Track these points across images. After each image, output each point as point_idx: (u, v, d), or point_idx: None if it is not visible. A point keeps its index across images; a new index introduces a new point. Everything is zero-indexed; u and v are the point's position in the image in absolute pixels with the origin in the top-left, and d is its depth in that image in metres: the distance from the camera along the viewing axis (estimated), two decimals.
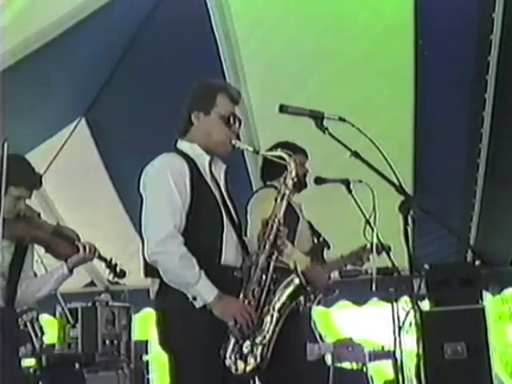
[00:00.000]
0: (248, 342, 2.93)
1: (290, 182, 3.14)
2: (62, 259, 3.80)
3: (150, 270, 3.03)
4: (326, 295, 4.25)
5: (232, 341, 2.92)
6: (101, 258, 3.87)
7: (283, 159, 3.15)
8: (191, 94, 3.27)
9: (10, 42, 4.52)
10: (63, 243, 3.75)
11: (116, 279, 3.97)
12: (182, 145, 3.19)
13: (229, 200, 3.21)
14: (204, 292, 2.91)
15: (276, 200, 3.14)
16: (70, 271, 3.77)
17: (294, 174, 3.14)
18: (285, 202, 3.14)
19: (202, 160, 3.14)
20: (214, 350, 2.92)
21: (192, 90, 3.29)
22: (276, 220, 3.10)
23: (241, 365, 2.91)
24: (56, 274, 3.76)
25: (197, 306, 2.91)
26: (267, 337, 2.96)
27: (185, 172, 3.03)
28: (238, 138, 3.29)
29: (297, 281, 3.08)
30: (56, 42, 4.87)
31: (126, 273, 3.98)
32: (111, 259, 3.98)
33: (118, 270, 3.95)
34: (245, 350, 2.92)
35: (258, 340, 2.94)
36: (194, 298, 2.91)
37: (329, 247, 4.38)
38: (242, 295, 2.99)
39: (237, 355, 2.91)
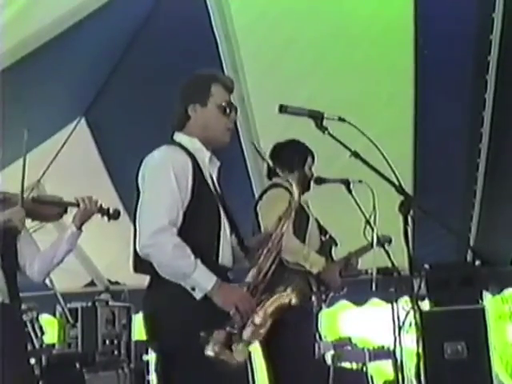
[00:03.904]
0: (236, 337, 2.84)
1: (293, 210, 3.16)
2: (52, 221, 3.82)
3: (140, 265, 2.96)
4: (335, 293, 4.25)
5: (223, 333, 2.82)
6: (101, 210, 3.81)
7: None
8: (185, 87, 3.20)
9: (9, 41, 4.51)
10: (46, 206, 3.73)
11: (112, 220, 3.86)
12: (181, 138, 3.10)
13: (222, 198, 3.15)
14: (202, 280, 2.81)
15: (280, 219, 3.13)
16: (79, 228, 3.75)
17: (297, 199, 3.17)
18: (287, 222, 3.14)
19: (202, 155, 3.07)
20: None
21: (186, 82, 3.22)
22: (279, 237, 3.08)
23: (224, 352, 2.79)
24: (66, 235, 3.75)
25: (197, 298, 2.80)
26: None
27: (188, 167, 2.95)
28: (235, 125, 3.26)
29: (287, 300, 3.00)
30: (56, 41, 4.87)
31: (121, 212, 3.89)
32: (108, 208, 3.88)
33: (110, 211, 3.86)
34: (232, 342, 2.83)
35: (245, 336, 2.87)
36: (193, 289, 2.80)
37: (336, 244, 4.38)
38: None
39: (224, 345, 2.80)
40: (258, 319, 2.88)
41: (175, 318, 2.84)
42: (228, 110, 3.12)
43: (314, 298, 4.03)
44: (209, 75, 3.22)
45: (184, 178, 2.92)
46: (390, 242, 4.28)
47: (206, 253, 2.91)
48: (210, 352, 2.73)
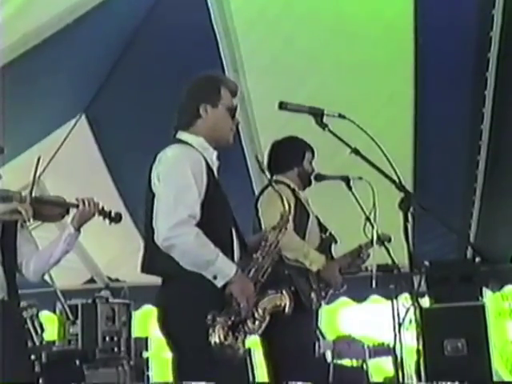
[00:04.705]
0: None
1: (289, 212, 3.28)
2: (53, 221, 3.81)
3: (149, 267, 3.03)
4: (335, 290, 4.26)
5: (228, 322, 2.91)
6: (102, 212, 3.79)
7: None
8: (195, 87, 3.25)
9: (9, 37, 4.51)
10: (48, 206, 3.72)
11: (113, 223, 3.84)
12: (187, 137, 3.14)
13: None
14: (225, 267, 2.89)
15: (275, 228, 3.22)
16: (78, 230, 3.70)
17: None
18: (284, 230, 3.25)
19: (209, 154, 3.13)
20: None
21: (195, 83, 3.27)
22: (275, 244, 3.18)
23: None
24: (63, 236, 3.72)
25: (218, 286, 2.88)
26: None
27: (202, 165, 3.01)
28: (237, 130, 3.33)
29: (282, 303, 3.09)
30: (56, 38, 4.86)
31: (122, 215, 3.86)
32: (110, 211, 3.86)
33: (112, 214, 3.84)
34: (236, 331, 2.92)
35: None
36: (215, 278, 2.88)
37: (336, 242, 4.39)
38: None
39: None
40: (258, 314, 2.97)
41: (186, 314, 2.91)
42: (234, 114, 3.22)
43: (313, 295, 4.03)
44: (218, 78, 3.32)
45: (199, 175, 2.99)
46: (389, 240, 4.27)
47: (223, 249, 2.96)
48: (215, 338, 2.83)
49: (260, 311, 2.99)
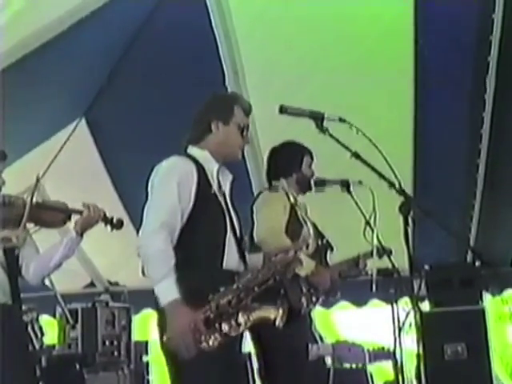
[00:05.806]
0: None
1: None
2: (55, 227, 3.81)
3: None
4: (328, 297, 4.25)
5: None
6: (104, 218, 3.78)
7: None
8: (209, 104, 3.36)
9: (9, 41, 4.51)
10: (50, 212, 3.72)
11: (114, 230, 3.84)
12: (193, 151, 3.24)
13: (232, 210, 3.25)
14: (162, 293, 2.89)
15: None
16: (80, 235, 3.73)
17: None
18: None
19: (211, 167, 3.21)
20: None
21: (210, 99, 3.39)
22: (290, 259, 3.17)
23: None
24: (65, 240, 3.74)
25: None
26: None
27: (192, 175, 3.08)
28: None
29: (272, 317, 3.05)
30: (55, 41, 4.87)
31: (124, 222, 3.87)
32: (112, 217, 3.85)
33: (114, 221, 3.84)
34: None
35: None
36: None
37: (332, 249, 4.39)
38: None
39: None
40: (241, 319, 2.95)
41: None
42: (245, 132, 3.32)
43: (303, 300, 4.02)
44: (232, 96, 3.52)
45: (187, 186, 3.05)
46: (390, 253, 4.26)
47: (209, 257, 3.03)
48: None
49: (243, 318, 2.95)
